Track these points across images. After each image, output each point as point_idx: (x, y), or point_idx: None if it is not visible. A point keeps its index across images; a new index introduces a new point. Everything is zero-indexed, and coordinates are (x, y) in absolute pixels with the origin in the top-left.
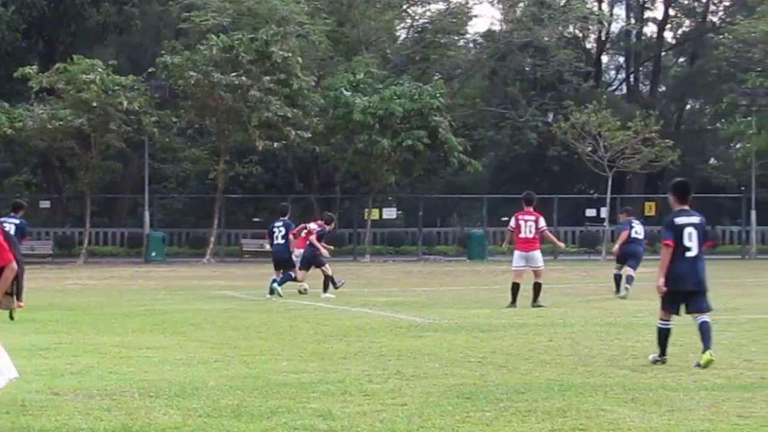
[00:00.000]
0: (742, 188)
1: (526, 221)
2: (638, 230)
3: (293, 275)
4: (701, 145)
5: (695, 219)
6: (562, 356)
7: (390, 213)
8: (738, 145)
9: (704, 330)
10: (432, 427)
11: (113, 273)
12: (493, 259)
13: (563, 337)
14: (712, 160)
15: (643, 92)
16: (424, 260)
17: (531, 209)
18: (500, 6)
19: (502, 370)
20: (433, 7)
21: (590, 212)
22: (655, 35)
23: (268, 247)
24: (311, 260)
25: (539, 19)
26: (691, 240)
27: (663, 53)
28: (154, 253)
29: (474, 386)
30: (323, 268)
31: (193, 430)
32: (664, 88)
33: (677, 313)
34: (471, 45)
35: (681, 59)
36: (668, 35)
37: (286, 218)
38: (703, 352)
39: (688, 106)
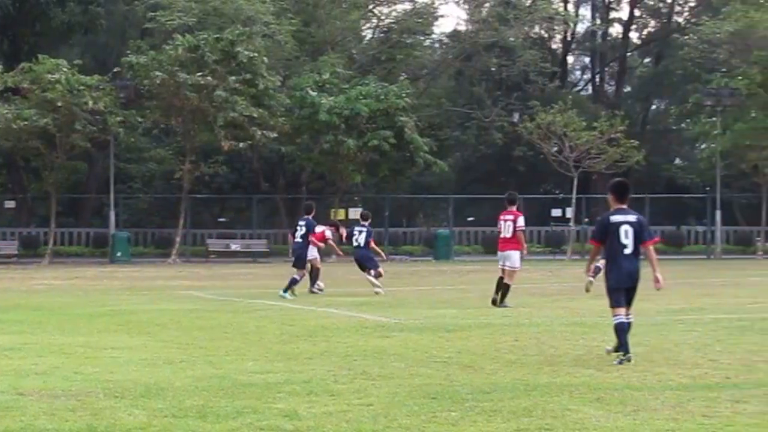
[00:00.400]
0: (707, 188)
1: (505, 221)
2: None
3: (298, 279)
4: (666, 146)
5: (631, 217)
6: (527, 356)
7: (356, 213)
8: (703, 146)
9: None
10: (398, 427)
11: (78, 273)
12: (459, 259)
13: (529, 337)
14: (677, 161)
15: (609, 92)
16: (390, 260)
17: (513, 209)
18: (466, 6)
19: (468, 370)
20: (399, 7)
21: (556, 212)
22: (620, 36)
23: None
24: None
25: (505, 20)
26: (627, 237)
27: (628, 54)
28: (119, 254)
29: (440, 386)
30: (319, 266)
31: (158, 431)
32: (629, 89)
33: (624, 305)
34: (437, 45)
35: (646, 60)
36: (634, 36)
37: (309, 217)
38: (616, 350)
39: (654, 107)
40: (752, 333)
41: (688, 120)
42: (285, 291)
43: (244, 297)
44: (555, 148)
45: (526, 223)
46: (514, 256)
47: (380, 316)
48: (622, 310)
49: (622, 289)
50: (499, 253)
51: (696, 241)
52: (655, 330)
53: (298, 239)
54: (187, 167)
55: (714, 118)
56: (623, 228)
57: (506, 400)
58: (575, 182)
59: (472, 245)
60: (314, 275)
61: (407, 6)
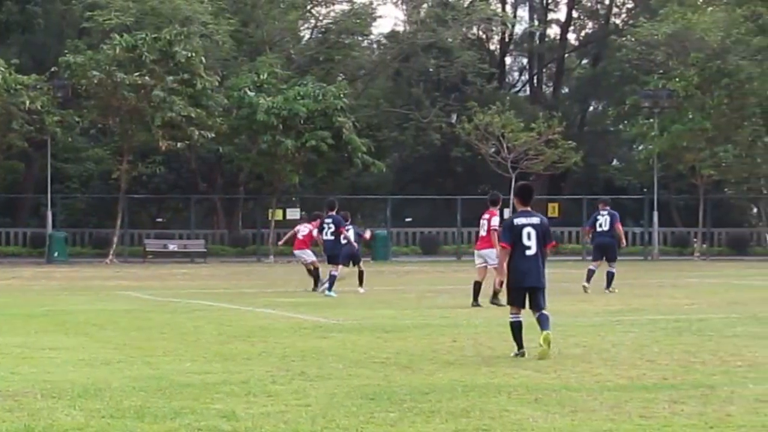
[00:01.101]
0: (645, 189)
1: (483, 219)
2: (602, 222)
3: (336, 275)
4: (604, 147)
5: (535, 220)
6: (465, 357)
7: (294, 213)
8: (640, 147)
9: (542, 319)
10: (336, 427)
11: (15, 273)
12: (397, 260)
13: (467, 338)
14: (614, 162)
15: (547, 94)
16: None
17: (494, 210)
18: (404, 7)
19: (406, 370)
20: (337, 7)
21: None
22: (558, 37)
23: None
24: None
25: (443, 21)
26: (530, 239)
27: (566, 55)
28: (56, 254)
29: (378, 387)
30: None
31: (96, 431)
32: (567, 90)
33: (523, 306)
34: (375, 46)
35: (584, 61)
36: (571, 37)
37: (334, 213)
38: (542, 331)
39: (591, 108)
40: (689, 334)
41: (625, 121)
42: (330, 289)
43: (181, 297)
44: (493, 149)
45: (464, 224)
46: (489, 253)
47: (318, 317)
48: (519, 310)
49: (522, 288)
50: (476, 251)
51: (633, 242)
52: (593, 331)
53: (329, 237)
54: (125, 167)
55: (651, 120)
56: (526, 230)
57: (444, 400)
58: (513, 183)
59: (410, 246)
60: (316, 275)
61: (345, 7)
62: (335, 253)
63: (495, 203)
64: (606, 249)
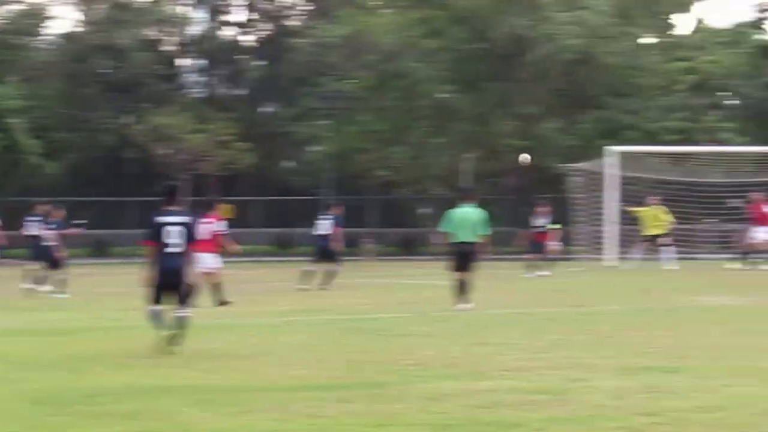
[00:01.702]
0: (318, 190)
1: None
2: (322, 226)
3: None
4: (278, 148)
5: (179, 218)
6: (136, 359)
7: None
8: (314, 148)
9: (180, 324)
10: None
11: None
12: (70, 262)
13: (137, 340)
14: (288, 163)
15: (222, 95)
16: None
17: (213, 213)
18: (79, 8)
19: (76, 373)
20: (9, 7)
21: None
22: (234, 38)
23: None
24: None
25: (119, 21)
26: (172, 237)
27: (242, 56)
28: None
29: (47, 391)
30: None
31: None
32: (242, 91)
33: (159, 303)
34: (48, 46)
35: (260, 62)
36: (247, 38)
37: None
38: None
39: (266, 109)
40: (361, 333)
41: (299, 123)
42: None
43: None
44: (166, 150)
45: (139, 226)
46: (206, 258)
47: None
48: (157, 305)
49: (164, 285)
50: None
51: (305, 242)
52: (263, 331)
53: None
54: None
55: (325, 121)
56: (169, 228)
57: (113, 403)
58: (186, 184)
59: (82, 248)
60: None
61: (17, 7)
62: (44, 253)
63: (211, 207)
64: (323, 252)
